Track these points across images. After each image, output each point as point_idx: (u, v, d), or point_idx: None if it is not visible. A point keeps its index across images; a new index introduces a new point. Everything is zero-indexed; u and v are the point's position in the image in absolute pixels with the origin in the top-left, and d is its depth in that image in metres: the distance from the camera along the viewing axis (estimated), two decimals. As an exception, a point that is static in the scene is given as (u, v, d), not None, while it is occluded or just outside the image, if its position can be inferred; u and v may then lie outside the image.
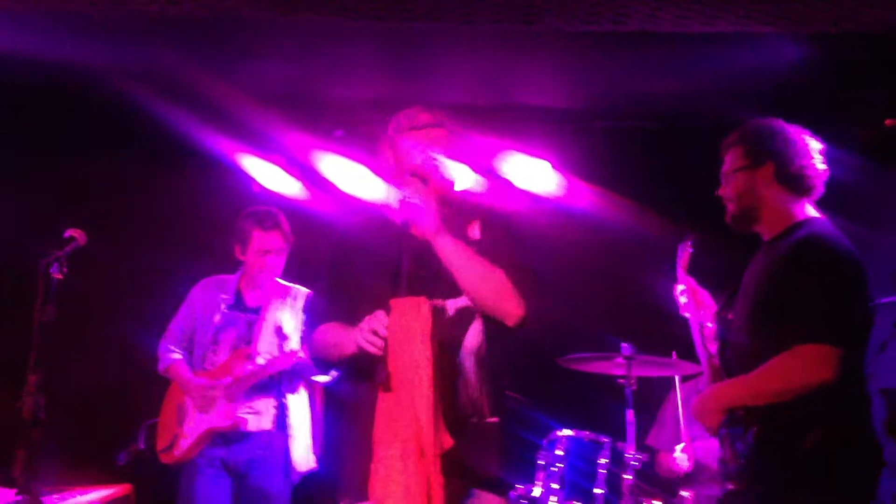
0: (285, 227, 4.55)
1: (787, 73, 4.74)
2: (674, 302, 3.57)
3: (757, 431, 2.88)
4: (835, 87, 4.88)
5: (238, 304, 4.57)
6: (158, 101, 4.94)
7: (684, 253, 3.58)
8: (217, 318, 4.52)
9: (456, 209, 3.06)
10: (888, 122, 4.49)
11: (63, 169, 5.70)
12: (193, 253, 5.32)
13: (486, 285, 2.87)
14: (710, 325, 3.41)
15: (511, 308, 2.89)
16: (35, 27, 4.42)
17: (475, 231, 3.03)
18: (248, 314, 4.54)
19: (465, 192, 3.15)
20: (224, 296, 4.57)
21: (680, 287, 3.52)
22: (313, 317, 3.26)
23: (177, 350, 4.57)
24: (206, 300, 4.58)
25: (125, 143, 5.64)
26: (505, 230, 3.06)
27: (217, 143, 5.32)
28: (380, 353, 2.74)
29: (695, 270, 3.57)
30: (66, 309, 3.06)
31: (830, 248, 2.90)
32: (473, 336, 2.92)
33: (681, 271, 3.56)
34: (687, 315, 3.48)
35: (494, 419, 2.89)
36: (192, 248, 5.51)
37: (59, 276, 2.93)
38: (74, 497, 4.31)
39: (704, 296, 3.48)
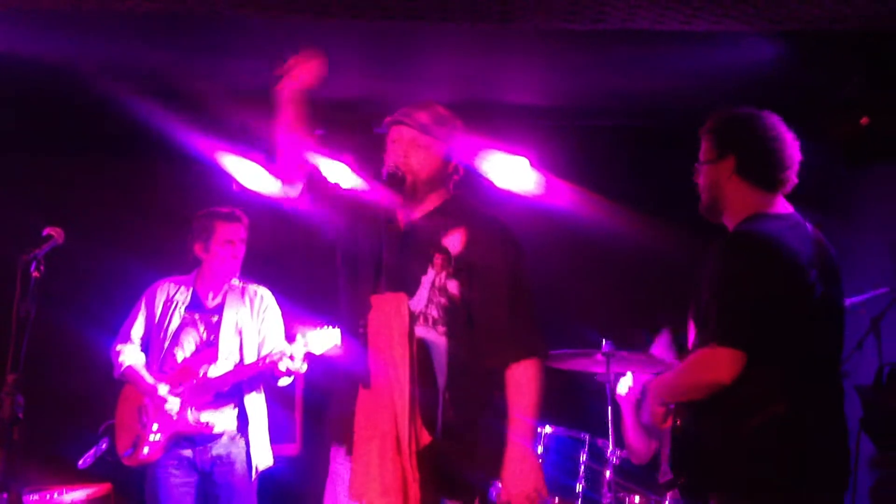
0: (245, 219, 4.59)
1: (765, 71, 4.77)
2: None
3: (679, 425, 2.90)
4: (811, 85, 4.91)
5: (196, 305, 4.56)
6: (135, 98, 4.92)
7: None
8: (175, 319, 4.50)
9: (442, 212, 3.04)
10: (864, 120, 4.51)
11: (37, 166, 5.67)
12: (172, 253, 5.30)
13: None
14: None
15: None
16: (7, 22, 4.39)
17: (454, 241, 2.96)
18: (207, 315, 4.53)
19: (460, 199, 3.13)
20: (181, 297, 4.55)
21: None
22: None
23: (130, 352, 4.51)
24: (164, 301, 4.55)
25: (101, 140, 5.63)
26: (502, 243, 2.99)
27: (196, 140, 5.31)
28: None
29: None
30: (43, 307, 3.04)
31: (748, 246, 2.83)
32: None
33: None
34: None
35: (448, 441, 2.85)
36: (169, 247, 5.49)
37: (37, 275, 2.92)
38: (55, 496, 4.31)
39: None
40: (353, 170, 5.38)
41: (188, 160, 5.43)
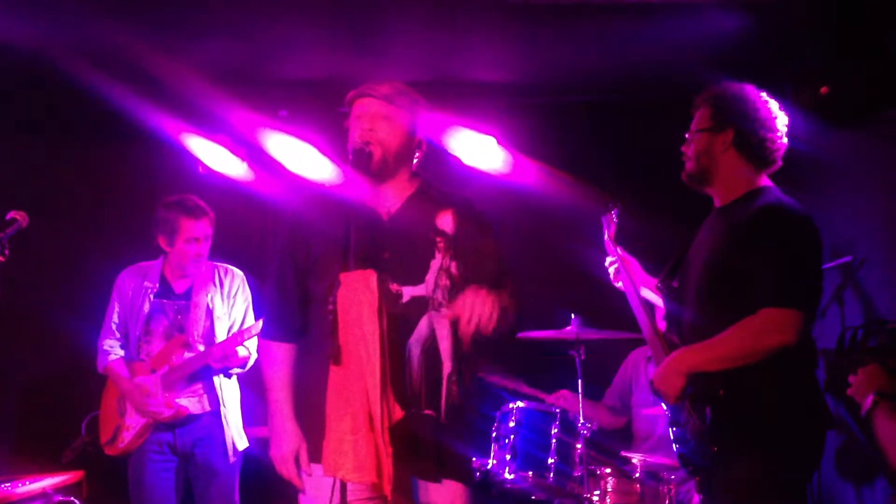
0: (211, 213, 4.51)
1: (727, 42, 4.78)
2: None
3: (721, 396, 2.92)
4: (773, 55, 4.94)
5: (165, 291, 4.52)
6: (99, 78, 4.86)
7: (610, 223, 3.66)
8: (146, 306, 4.46)
9: (422, 196, 3.05)
10: (824, 89, 4.55)
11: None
12: (137, 236, 5.26)
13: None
14: (653, 296, 3.46)
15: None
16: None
17: (447, 223, 3.00)
18: (176, 301, 4.50)
19: (428, 177, 3.14)
20: (149, 283, 4.50)
21: (609, 259, 3.58)
22: (262, 297, 3.25)
23: (114, 347, 4.50)
24: (133, 289, 4.51)
25: (65, 121, 5.57)
26: (480, 223, 3.05)
27: (160, 122, 5.25)
28: None
29: (633, 240, 3.64)
30: (12, 294, 3.02)
31: (793, 215, 2.97)
32: (424, 327, 2.93)
33: (608, 242, 3.63)
34: (619, 285, 3.54)
35: (430, 412, 2.87)
36: (135, 232, 5.45)
37: (2, 259, 2.89)
38: (27, 484, 4.28)
39: (634, 265, 3.55)
40: (319, 150, 5.36)
41: (154, 142, 5.38)
